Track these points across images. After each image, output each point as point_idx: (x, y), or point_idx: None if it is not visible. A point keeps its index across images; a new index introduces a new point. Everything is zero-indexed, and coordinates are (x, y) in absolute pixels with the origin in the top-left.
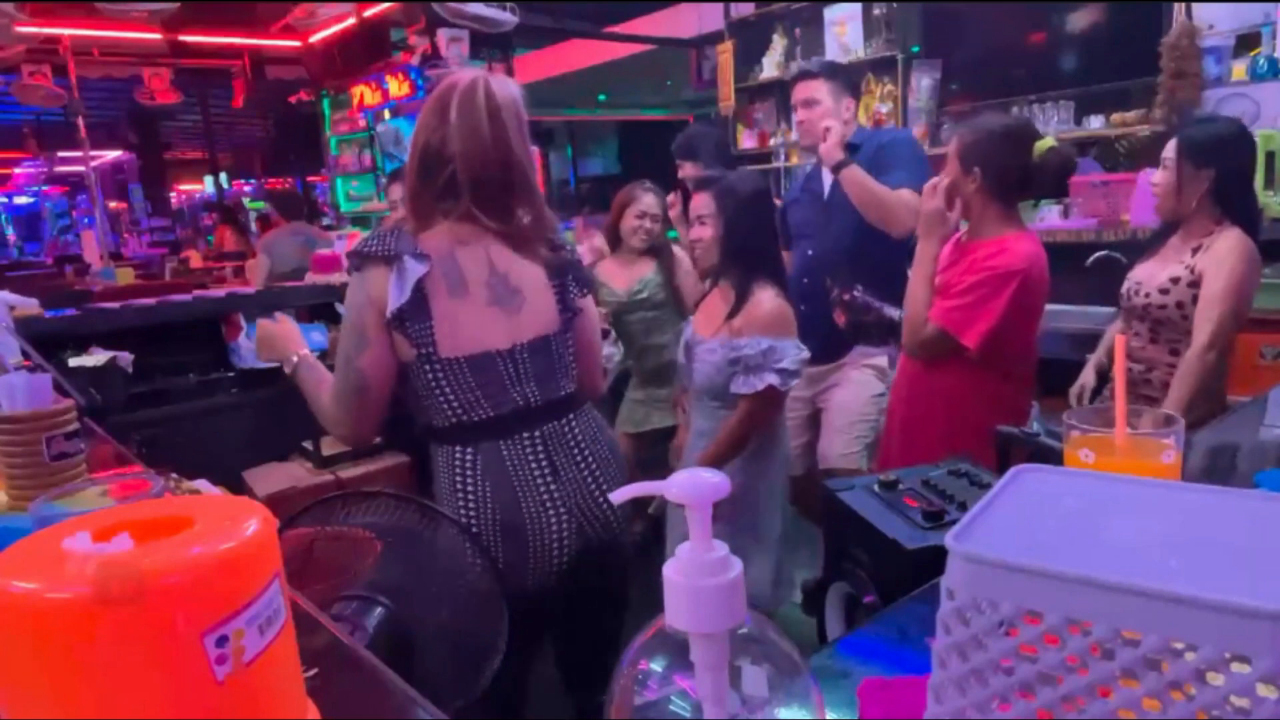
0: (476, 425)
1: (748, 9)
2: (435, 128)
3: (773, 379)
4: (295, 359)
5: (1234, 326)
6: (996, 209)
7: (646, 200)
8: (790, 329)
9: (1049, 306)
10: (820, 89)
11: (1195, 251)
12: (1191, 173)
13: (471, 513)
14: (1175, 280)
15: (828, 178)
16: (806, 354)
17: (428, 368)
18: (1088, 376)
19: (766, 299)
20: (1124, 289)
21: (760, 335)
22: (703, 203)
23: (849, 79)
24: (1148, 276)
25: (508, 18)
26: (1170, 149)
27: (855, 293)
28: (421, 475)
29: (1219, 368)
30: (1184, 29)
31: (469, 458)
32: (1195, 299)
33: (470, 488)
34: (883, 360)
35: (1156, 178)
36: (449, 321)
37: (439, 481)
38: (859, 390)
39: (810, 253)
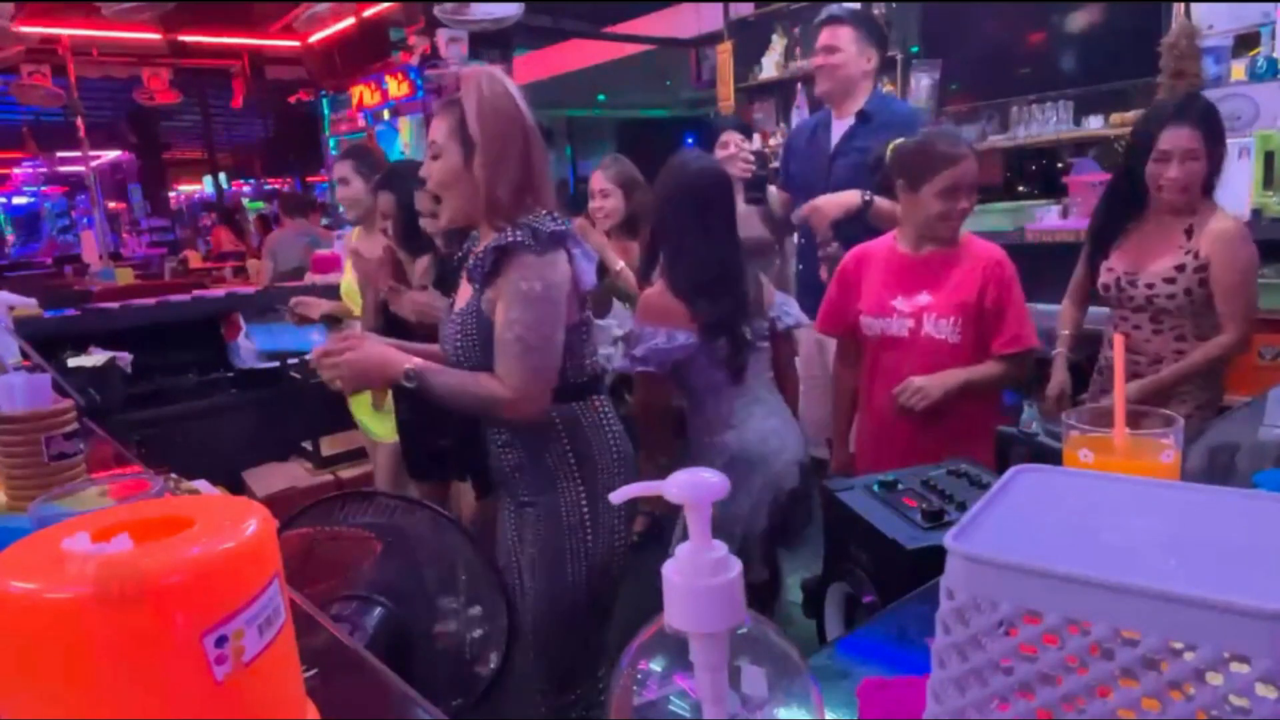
0: (599, 375)
1: (747, 9)
2: (518, 125)
3: (619, 363)
4: (410, 371)
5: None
6: None
7: (594, 175)
8: (665, 319)
9: (1047, 307)
10: (845, 36)
11: (1190, 234)
12: (1203, 148)
13: (624, 450)
14: (1180, 269)
15: (837, 132)
16: (675, 342)
17: (584, 328)
18: (1061, 374)
19: (652, 289)
20: (1106, 281)
21: (639, 322)
22: (601, 178)
23: (878, 31)
24: (1138, 266)
25: (511, 10)
26: (1187, 138)
27: (831, 246)
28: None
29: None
30: (1183, 29)
31: (606, 404)
32: (1202, 282)
33: (619, 428)
34: None
35: (1177, 172)
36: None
37: (589, 432)
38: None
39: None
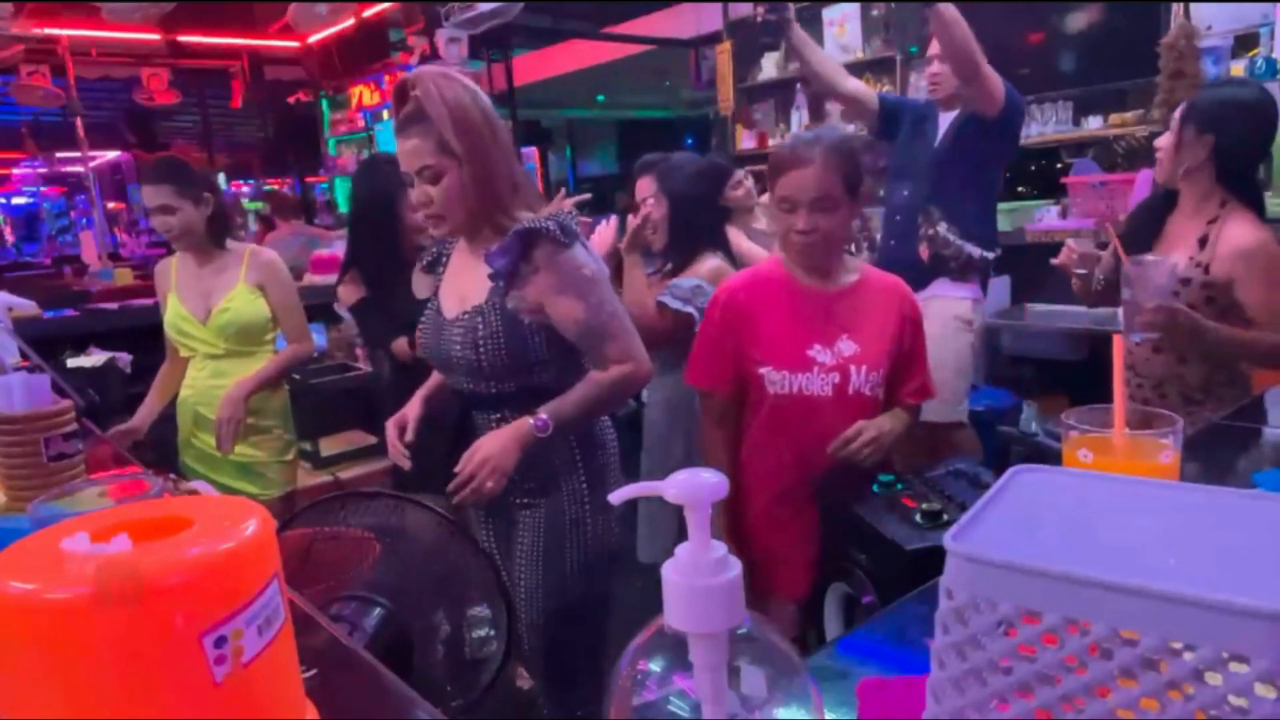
0: None
1: (746, 9)
2: (487, 121)
3: (693, 311)
4: (538, 424)
5: None
6: None
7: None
8: None
9: (1046, 307)
10: None
11: (1203, 244)
12: (1191, 138)
13: (616, 440)
14: (1186, 282)
15: (944, 123)
16: None
17: None
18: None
19: (710, 260)
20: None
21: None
22: (646, 185)
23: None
24: None
25: (510, 3)
26: (1178, 111)
27: (939, 228)
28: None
29: None
30: (1182, 29)
31: None
32: (1208, 300)
33: (611, 432)
34: (966, 305)
35: (1160, 140)
36: None
37: (592, 424)
38: (942, 353)
39: (906, 193)
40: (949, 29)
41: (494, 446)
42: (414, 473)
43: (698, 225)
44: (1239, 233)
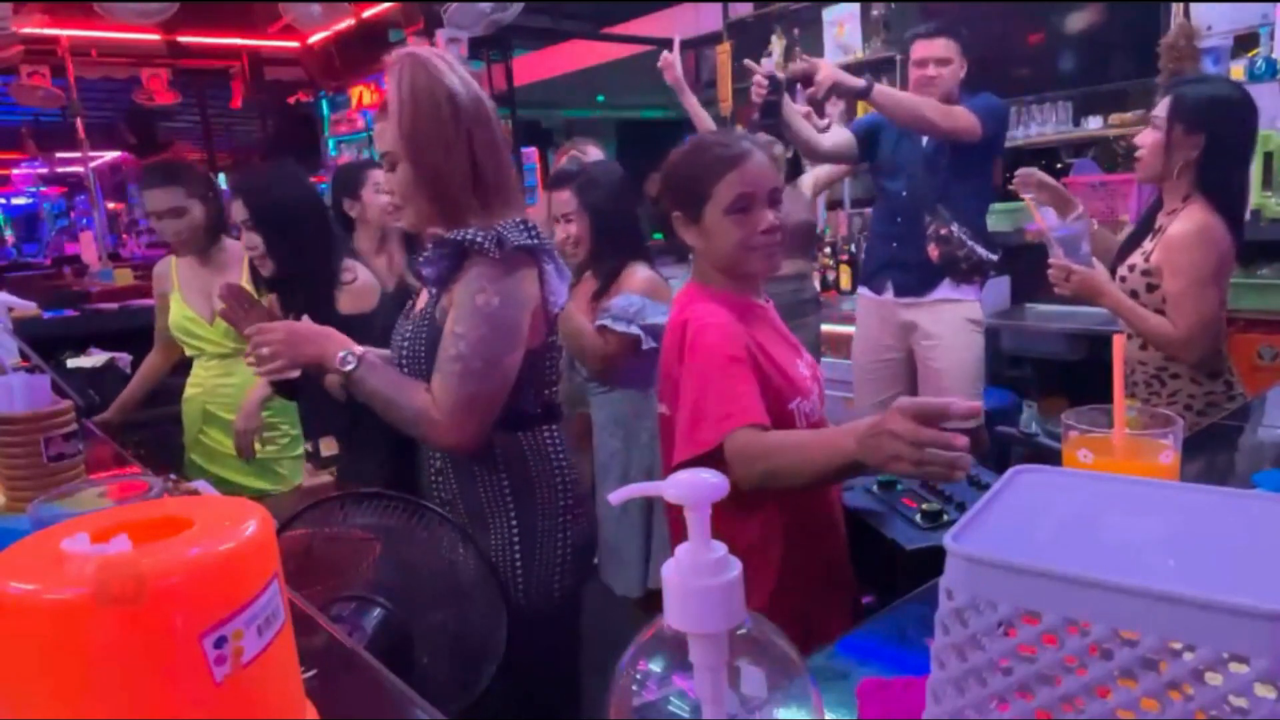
0: (555, 404)
1: (746, 9)
2: (448, 114)
3: (639, 332)
4: (349, 355)
5: (1215, 313)
6: None
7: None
8: (665, 299)
9: (1046, 307)
10: (953, 46)
11: (1157, 233)
12: (1181, 136)
13: (570, 487)
14: (1132, 268)
15: None
16: None
17: (550, 353)
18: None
19: (639, 272)
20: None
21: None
22: (564, 200)
23: (964, 38)
24: (1122, 258)
25: (510, 3)
26: (1162, 107)
27: (951, 229)
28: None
29: (1209, 360)
30: (1182, 30)
31: (557, 435)
32: (1149, 287)
33: (566, 463)
34: (975, 307)
35: (1142, 138)
36: None
37: (531, 466)
38: (963, 355)
39: (904, 194)
40: (890, 111)
41: (300, 332)
42: (361, 469)
43: (620, 237)
44: (1180, 224)
